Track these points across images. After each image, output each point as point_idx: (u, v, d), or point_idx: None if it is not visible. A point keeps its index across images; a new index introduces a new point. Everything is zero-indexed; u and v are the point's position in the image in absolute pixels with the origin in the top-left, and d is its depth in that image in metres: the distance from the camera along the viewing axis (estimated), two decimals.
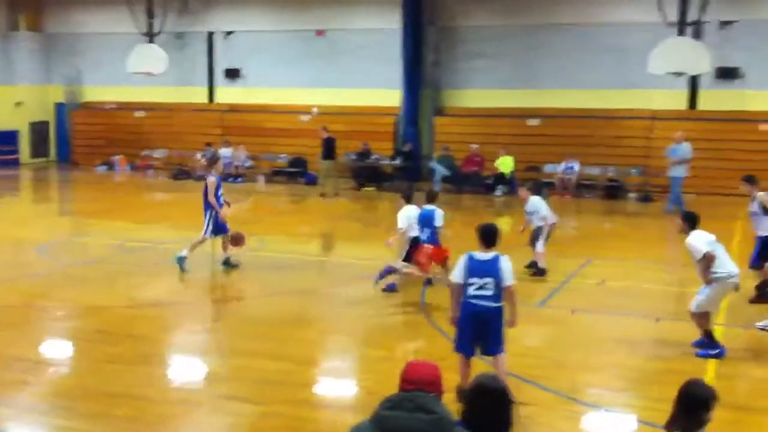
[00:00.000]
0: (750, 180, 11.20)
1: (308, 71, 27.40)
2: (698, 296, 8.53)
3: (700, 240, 8.43)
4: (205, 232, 12.38)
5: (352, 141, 24.60)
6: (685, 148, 19.69)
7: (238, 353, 8.68)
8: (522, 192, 12.87)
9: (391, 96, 25.97)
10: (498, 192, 22.87)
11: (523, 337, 9.29)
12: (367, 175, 24.75)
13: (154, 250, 14.27)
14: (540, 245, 12.38)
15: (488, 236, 7.11)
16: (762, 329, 8.64)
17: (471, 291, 6.97)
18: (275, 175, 26.81)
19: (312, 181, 25.22)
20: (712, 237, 8.57)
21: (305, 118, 27.15)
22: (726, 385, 7.02)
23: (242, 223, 14.43)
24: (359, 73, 26.54)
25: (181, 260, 12.11)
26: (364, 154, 24.75)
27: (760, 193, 10.86)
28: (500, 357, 7.13)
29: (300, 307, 10.77)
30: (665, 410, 4.48)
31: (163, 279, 12.36)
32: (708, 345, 8.44)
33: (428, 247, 10.79)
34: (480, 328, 7.04)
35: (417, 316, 10.14)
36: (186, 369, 8.45)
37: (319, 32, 26.63)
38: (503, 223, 18.22)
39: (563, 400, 7.31)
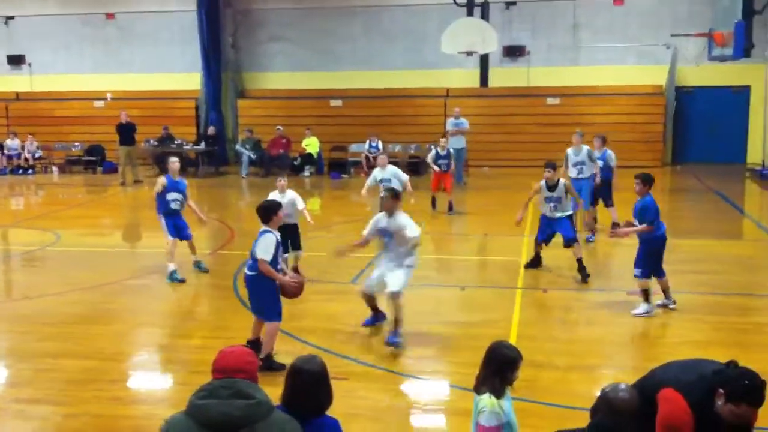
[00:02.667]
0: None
1: (100, 56, 26.26)
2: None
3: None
4: (166, 236, 11.24)
5: (151, 126, 23.78)
6: (464, 123, 20.67)
7: (40, 354, 8.18)
8: (382, 159, 13.32)
9: (190, 80, 25.40)
10: (306, 172, 22.98)
11: (337, 314, 9.43)
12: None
13: None
14: None
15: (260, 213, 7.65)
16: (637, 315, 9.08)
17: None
18: (70, 164, 25.44)
19: (111, 170, 24.18)
20: None
21: (99, 104, 25.94)
22: (528, 346, 7.46)
23: (35, 217, 13.57)
24: (156, 57, 25.75)
25: (172, 276, 11.01)
26: (166, 140, 23.97)
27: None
28: (267, 324, 7.62)
29: (104, 302, 10.30)
30: (473, 373, 4.68)
31: None
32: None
33: None
34: (249, 293, 7.76)
35: (231, 301, 9.98)
36: None
37: (110, 15, 25.46)
38: (314, 203, 18.32)
39: (380, 372, 7.48)
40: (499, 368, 4.53)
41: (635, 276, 9.10)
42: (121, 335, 8.94)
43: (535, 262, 11.42)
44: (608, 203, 13.96)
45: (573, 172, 13.51)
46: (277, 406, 3.68)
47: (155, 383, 7.71)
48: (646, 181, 9.15)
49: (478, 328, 8.74)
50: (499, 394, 4.49)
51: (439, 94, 24.32)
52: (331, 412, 4.05)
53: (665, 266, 9.25)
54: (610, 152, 14.03)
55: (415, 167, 23.51)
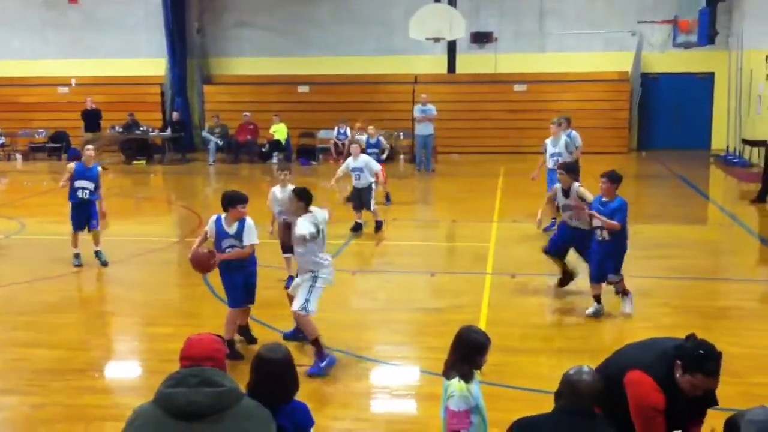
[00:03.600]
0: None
1: (63, 42, 25.88)
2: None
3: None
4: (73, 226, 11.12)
5: (116, 113, 23.50)
6: (432, 109, 20.68)
7: (8, 344, 8.10)
8: (355, 149, 13.27)
9: (156, 65, 25.14)
10: (274, 159, 22.86)
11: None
12: (135, 147, 23.77)
13: None
14: (373, 202, 13.04)
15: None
16: (589, 316, 8.69)
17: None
18: (34, 151, 25.07)
19: (76, 156, 23.81)
20: None
21: (64, 90, 25.56)
22: (497, 331, 7.52)
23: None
24: (120, 42, 25.43)
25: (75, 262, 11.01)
26: (131, 126, 23.69)
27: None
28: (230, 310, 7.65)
29: (71, 291, 10.21)
30: (443, 359, 4.71)
31: None
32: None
33: None
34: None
35: (200, 289, 9.91)
36: None
37: (73, 0, 25.05)
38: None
39: (351, 359, 7.50)
40: (468, 353, 4.57)
41: (611, 279, 8.63)
42: (89, 324, 8.86)
43: (564, 280, 9.69)
44: None
45: (550, 164, 12.81)
46: (245, 394, 3.68)
47: (124, 372, 7.67)
48: (614, 179, 8.50)
49: (447, 313, 8.79)
50: (468, 378, 4.52)
51: (408, 81, 24.30)
52: (301, 399, 4.06)
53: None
54: (575, 133, 13.72)
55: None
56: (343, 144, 23.07)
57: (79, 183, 10.82)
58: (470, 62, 24.42)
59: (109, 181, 20.09)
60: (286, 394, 4.00)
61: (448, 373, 4.61)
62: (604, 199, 8.56)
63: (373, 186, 13.08)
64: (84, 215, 10.96)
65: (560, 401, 4.03)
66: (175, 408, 3.33)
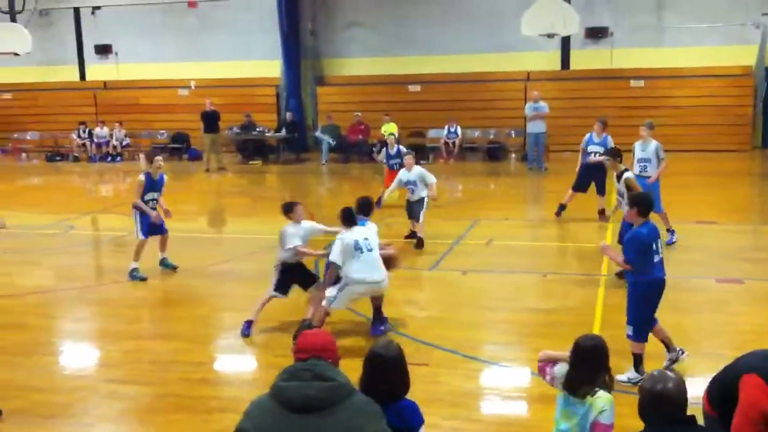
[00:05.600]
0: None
1: (183, 45, 26.80)
2: None
3: None
4: (138, 234, 10.94)
5: (233, 114, 24.22)
6: (544, 107, 20.38)
7: (128, 336, 8.47)
8: (408, 160, 12.49)
9: (271, 67, 25.70)
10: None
11: (417, 300, 9.47)
12: (252, 148, 24.46)
13: (31, 236, 13.70)
14: (422, 216, 12.19)
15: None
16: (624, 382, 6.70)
17: None
18: (157, 151, 26.09)
19: (196, 157, 24.74)
20: None
21: (184, 92, 26.52)
22: (612, 334, 7.35)
23: (124, 203, 13.99)
24: (236, 44, 26.13)
25: (133, 274, 10.77)
26: (248, 127, 24.39)
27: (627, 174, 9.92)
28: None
29: (189, 286, 10.57)
30: None
31: (42, 266, 11.92)
32: None
33: None
34: None
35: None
36: (75, 356, 8.18)
37: (191, 4, 25.94)
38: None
39: (461, 358, 7.48)
40: (603, 363, 4.41)
41: (628, 336, 6.78)
42: (206, 318, 9.17)
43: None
44: (601, 191, 13.62)
45: (637, 169, 11.79)
46: (357, 389, 3.74)
47: (240, 366, 7.88)
48: (641, 203, 6.71)
49: (558, 315, 8.65)
50: (610, 388, 4.41)
51: (519, 78, 24.02)
52: (410, 397, 4.08)
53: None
54: (609, 138, 13.67)
55: (494, 153, 23.35)
56: (453, 143, 23.05)
57: (149, 195, 10.89)
58: (585, 58, 23.91)
59: (229, 181, 20.77)
60: (395, 392, 4.02)
61: (579, 389, 4.40)
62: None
63: (425, 200, 12.21)
64: (154, 223, 10.92)
65: (650, 418, 3.73)
66: (289, 401, 3.42)
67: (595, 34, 23.73)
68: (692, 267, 10.68)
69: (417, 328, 8.31)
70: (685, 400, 3.68)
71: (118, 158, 25.54)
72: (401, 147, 14.89)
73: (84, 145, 25.91)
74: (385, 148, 15.09)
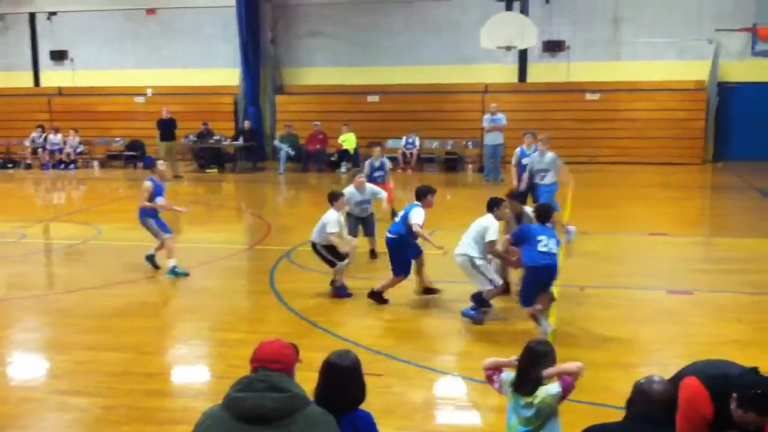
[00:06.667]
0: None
1: (141, 52, 26.57)
2: None
3: None
4: (161, 235, 11.22)
5: (192, 122, 24.05)
6: (501, 119, 20.58)
7: (79, 347, 8.31)
8: (360, 179, 12.11)
9: (230, 75, 25.61)
10: (343, 168, 23.02)
11: (371, 311, 9.45)
12: (209, 156, 24.27)
13: None
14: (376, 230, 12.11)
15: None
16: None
17: None
18: (111, 159, 25.82)
19: (150, 164, 24.45)
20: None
21: (140, 99, 26.26)
22: (566, 344, 7.43)
23: (77, 211, 13.78)
24: (195, 52, 26.00)
25: (175, 271, 10.99)
26: (205, 135, 24.21)
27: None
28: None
29: (143, 296, 10.43)
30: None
31: None
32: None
33: None
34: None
35: (269, 296, 10.06)
36: (25, 367, 8.00)
37: (150, 11, 25.75)
38: None
39: (415, 368, 7.48)
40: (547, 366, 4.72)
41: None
42: (159, 329, 9.05)
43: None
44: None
45: (536, 178, 13.52)
46: (311, 400, 3.71)
47: (193, 376, 7.79)
48: (542, 213, 8.42)
49: (511, 324, 8.70)
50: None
51: (478, 90, 24.23)
52: (366, 407, 4.06)
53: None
54: (539, 148, 14.05)
55: (451, 164, 23.50)
56: (411, 153, 23.14)
57: (157, 200, 11.24)
58: (542, 71, 24.21)
59: (184, 189, 20.58)
60: (351, 402, 4.01)
61: (524, 387, 4.69)
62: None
63: (374, 214, 12.20)
64: (163, 224, 11.33)
65: (632, 409, 4.01)
66: (243, 412, 3.39)
67: (553, 47, 24.06)
68: (644, 278, 10.85)
69: (372, 338, 8.30)
70: (665, 403, 3.94)
71: (72, 166, 25.15)
72: (385, 159, 14.60)
73: (35, 151, 25.49)
74: (369, 160, 14.55)
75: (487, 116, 20.90)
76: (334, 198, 10.03)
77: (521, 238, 8.22)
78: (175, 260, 11.07)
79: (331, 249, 9.83)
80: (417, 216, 9.42)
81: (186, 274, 11.02)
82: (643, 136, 23.29)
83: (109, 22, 26.70)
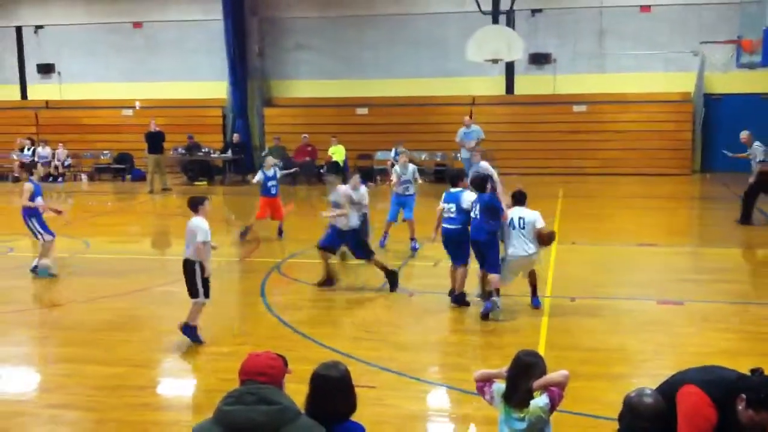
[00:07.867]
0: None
1: (128, 65, 26.56)
2: None
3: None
4: (43, 236, 11.74)
5: (179, 135, 24.01)
6: (478, 131, 20.55)
7: (68, 360, 8.28)
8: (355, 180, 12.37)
9: (217, 88, 25.60)
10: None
11: (363, 322, 9.44)
12: (197, 169, 24.23)
13: None
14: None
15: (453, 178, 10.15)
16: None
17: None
18: (99, 172, 25.74)
19: (139, 177, 24.42)
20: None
21: (128, 112, 26.23)
22: (556, 355, 7.44)
23: (65, 225, 13.72)
24: (182, 65, 25.99)
25: (39, 271, 11.58)
26: (193, 148, 24.17)
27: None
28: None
29: (132, 309, 10.39)
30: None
31: None
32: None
33: None
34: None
35: (258, 308, 10.03)
36: (15, 381, 7.95)
37: (137, 24, 25.75)
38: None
39: (407, 380, 7.47)
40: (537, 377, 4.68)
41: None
42: (148, 342, 9.00)
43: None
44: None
45: (400, 189, 13.55)
46: (302, 412, 3.70)
47: (183, 390, 7.76)
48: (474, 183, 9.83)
49: (504, 336, 8.71)
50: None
51: (465, 102, 24.30)
52: (358, 419, 4.06)
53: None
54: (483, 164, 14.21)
55: (440, 175, 23.53)
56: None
57: (38, 200, 11.72)
58: (528, 83, 24.32)
59: (173, 202, 20.54)
60: (341, 414, 3.99)
61: (514, 398, 4.64)
62: None
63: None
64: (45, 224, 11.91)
65: (622, 423, 4.00)
66: (233, 425, 3.38)
67: (539, 60, 24.19)
68: (633, 289, 10.89)
69: (365, 350, 8.29)
70: (653, 416, 3.93)
71: (60, 179, 25.05)
72: (413, 165, 13.89)
73: (23, 164, 25.34)
74: (395, 168, 14.04)
75: (461, 130, 20.76)
76: (198, 203, 8.77)
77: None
78: (47, 261, 11.50)
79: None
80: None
81: (53, 275, 11.54)
82: (631, 148, 23.41)
83: (96, 35, 26.68)
